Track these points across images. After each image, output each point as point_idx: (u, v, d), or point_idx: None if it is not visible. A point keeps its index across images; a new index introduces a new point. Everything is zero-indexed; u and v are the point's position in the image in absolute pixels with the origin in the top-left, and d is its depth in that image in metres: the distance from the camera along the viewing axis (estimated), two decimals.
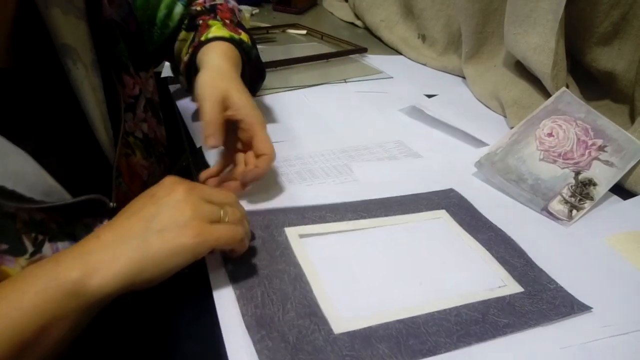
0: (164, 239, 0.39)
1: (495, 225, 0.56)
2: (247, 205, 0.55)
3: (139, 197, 0.43)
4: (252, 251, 0.48)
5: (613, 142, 0.65)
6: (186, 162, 0.70)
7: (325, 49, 1.14)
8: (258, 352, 0.38)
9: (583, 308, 0.46)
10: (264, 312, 0.42)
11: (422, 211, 0.57)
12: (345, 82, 0.97)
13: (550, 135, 0.66)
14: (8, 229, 0.42)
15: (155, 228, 0.39)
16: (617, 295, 0.48)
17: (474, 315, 0.44)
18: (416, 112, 0.83)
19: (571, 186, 0.62)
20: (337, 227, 0.53)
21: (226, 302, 0.43)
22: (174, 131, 0.72)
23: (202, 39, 0.65)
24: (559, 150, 0.64)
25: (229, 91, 0.55)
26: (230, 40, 0.65)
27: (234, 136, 0.58)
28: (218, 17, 0.71)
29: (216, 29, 0.66)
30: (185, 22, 0.72)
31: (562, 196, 0.61)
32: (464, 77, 1.02)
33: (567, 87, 0.74)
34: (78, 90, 0.50)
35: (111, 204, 0.50)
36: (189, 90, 0.72)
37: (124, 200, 0.53)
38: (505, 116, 0.85)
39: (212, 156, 0.65)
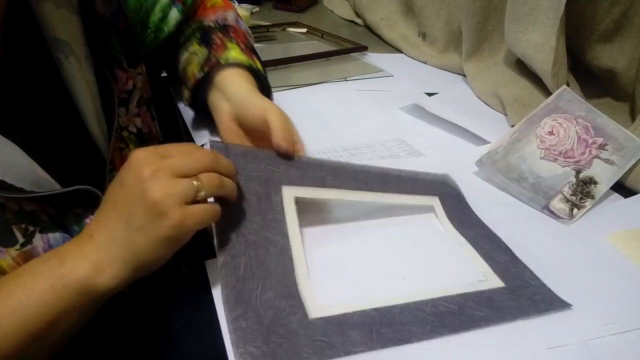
0: (145, 236, 0.39)
1: (483, 222, 0.56)
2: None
3: (111, 186, 0.42)
4: (244, 209, 0.47)
5: (614, 141, 0.65)
6: None
7: (325, 47, 1.14)
8: (231, 332, 0.38)
9: (562, 305, 0.45)
10: (243, 287, 0.42)
11: (416, 194, 0.57)
12: (346, 80, 0.97)
13: (550, 133, 0.66)
14: None
15: (134, 226, 0.39)
16: (618, 293, 0.48)
17: (451, 307, 0.44)
18: (417, 110, 0.83)
19: (572, 184, 0.62)
20: (333, 195, 0.52)
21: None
22: (172, 128, 0.72)
23: (222, 61, 0.64)
24: (560, 149, 0.64)
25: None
26: (249, 68, 0.65)
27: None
28: (234, 40, 0.70)
29: (236, 53, 0.66)
30: (197, 35, 0.71)
31: (563, 195, 0.61)
32: (464, 75, 1.02)
33: (568, 85, 0.74)
34: (70, 84, 0.50)
35: (103, 196, 0.50)
36: (193, 105, 0.69)
37: None
38: (505, 114, 0.84)
39: None
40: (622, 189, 0.65)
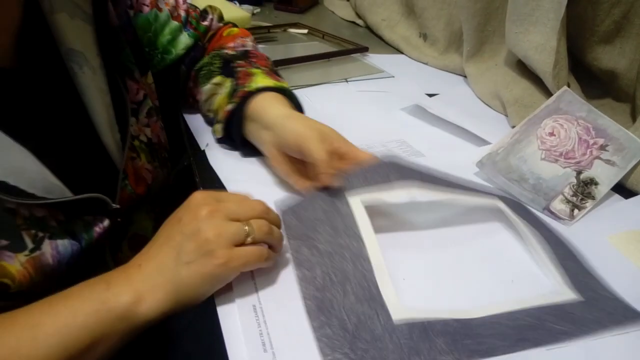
0: (191, 270, 0.40)
1: (549, 224, 0.56)
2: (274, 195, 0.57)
3: (167, 221, 0.44)
4: (312, 224, 0.48)
5: (614, 141, 0.65)
6: (187, 162, 0.70)
7: (326, 48, 1.14)
8: (317, 339, 0.39)
9: (635, 316, 0.45)
10: (324, 295, 0.42)
11: (479, 193, 0.57)
12: (347, 81, 0.97)
13: (551, 134, 0.66)
14: (8, 224, 0.43)
15: (183, 260, 0.41)
16: (620, 293, 0.48)
17: (529, 320, 0.43)
18: (418, 111, 0.83)
19: (573, 185, 0.62)
20: (400, 195, 0.51)
21: (226, 301, 0.43)
22: (175, 134, 0.72)
23: (250, 89, 0.63)
24: (561, 150, 0.64)
25: (322, 128, 0.56)
26: (278, 90, 0.64)
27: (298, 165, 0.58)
28: (256, 64, 0.70)
29: (261, 79, 0.65)
30: (218, 63, 0.70)
31: (563, 195, 0.61)
32: (465, 76, 1.02)
33: (569, 86, 0.74)
34: (84, 93, 0.51)
35: (114, 205, 0.51)
36: (225, 138, 0.67)
37: (128, 202, 0.54)
38: (506, 115, 0.84)
39: (215, 158, 0.65)
40: (622, 190, 0.65)
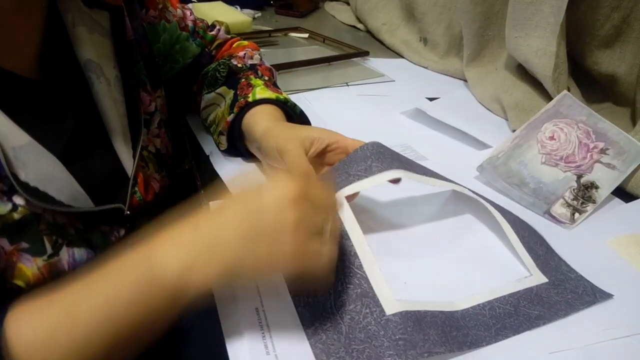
0: (257, 264, 0.38)
1: (516, 215, 0.57)
2: None
3: (246, 196, 0.39)
4: None
5: (615, 145, 0.65)
6: (189, 166, 0.70)
7: (327, 52, 1.14)
8: (312, 346, 0.39)
9: (605, 296, 0.47)
10: (315, 299, 0.42)
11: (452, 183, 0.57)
12: (347, 85, 0.97)
13: (551, 138, 0.66)
14: (32, 229, 0.43)
15: (253, 252, 0.37)
16: (619, 298, 0.48)
17: (506, 308, 0.44)
18: (418, 115, 0.83)
19: (573, 189, 0.62)
20: (381, 179, 0.50)
21: (228, 304, 0.43)
22: (177, 138, 0.72)
23: (250, 100, 0.64)
24: (561, 154, 0.65)
25: (300, 134, 0.55)
26: (275, 101, 0.64)
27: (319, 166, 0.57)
28: (259, 74, 0.70)
29: (261, 90, 0.65)
30: (224, 72, 0.71)
31: (564, 199, 0.61)
32: (465, 80, 1.02)
33: (569, 90, 0.74)
34: (100, 103, 0.52)
35: (126, 212, 0.53)
36: (229, 150, 0.67)
37: (137, 208, 0.55)
38: (507, 119, 0.85)
39: (219, 163, 0.66)
40: (623, 193, 0.65)
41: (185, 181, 0.68)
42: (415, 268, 0.50)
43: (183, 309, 0.38)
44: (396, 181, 0.52)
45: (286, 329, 0.41)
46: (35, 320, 0.36)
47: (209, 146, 0.70)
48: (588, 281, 0.48)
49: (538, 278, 0.48)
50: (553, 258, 0.51)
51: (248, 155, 0.66)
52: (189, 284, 0.36)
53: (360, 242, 0.45)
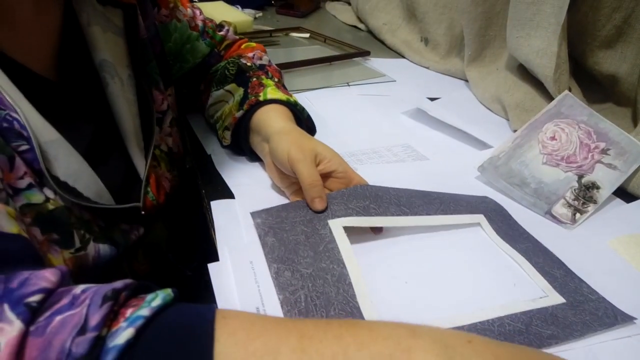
0: None
1: (532, 236, 0.56)
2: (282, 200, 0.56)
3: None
4: (294, 248, 0.48)
5: (616, 145, 0.65)
6: (189, 165, 0.70)
7: (328, 52, 1.14)
8: None
9: (627, 319, 0.45)
10: (307, 317, 0.41)
11: (461, 213, 0.56)
12: (348, 85, 0.97)
13: (553, 138, 0.66)
14: (63, 221, 0.45)
15: None
16: (620, 299, 0.48)
17: (517, 325, 0.43)
18: (419, 115, 0.83)
19: (574, 189, 0.62)
20: (379, 223, 0.52)
21: (229, 305, 0.43)
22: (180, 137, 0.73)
23: (261, 98, 0.64)
24: (562, 154, 0.65)
25: (316, 148, 0.55)
26: (286, 103, 0.64)
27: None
28: (270, 74, 0.71)
29: (272, 91, 0.65)
30: (233, 70, 0.71)
31: (565, 200, 0.61)
32: (466, 80, 1.02)
33: (570, 90, 0.74)
34: (114, 104, 0.53)
35: (142, 212, 0.54)
36: (231, 146, 0.67)
37: (152, 209, 0.56)
38: (508, 119, 0.85)
39: (221, 162, 0.66)
40: (624, 194, 0.65)
41: (187, 180, 0.69)
42: (417, 269, 0.50)
43: None
44: (379, 231, 0.53)
45: None
46: (259, 342, 0.29)
47: (210, 145, 0.70)
48: (610, 303, 0.47)
49: (554, 299, 0.47)
50: (573, 280, 0.50)
51: (250, 154, 0.66)
52: None
53: (356, 272, 0.46)
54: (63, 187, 0.44)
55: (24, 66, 0.46)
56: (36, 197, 0.42)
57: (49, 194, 0.43)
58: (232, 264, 0.47)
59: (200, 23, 0.73)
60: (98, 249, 0.48)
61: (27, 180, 0.42)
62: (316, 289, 0.44)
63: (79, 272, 0.47)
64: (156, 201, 0.57)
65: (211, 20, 0.76)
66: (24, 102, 0.43)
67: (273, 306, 0.43)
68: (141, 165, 0.55)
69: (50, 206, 0.43)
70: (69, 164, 0.45)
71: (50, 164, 0.44)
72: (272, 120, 0.61)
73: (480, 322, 0.43)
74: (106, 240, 0.49)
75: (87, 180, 0.47)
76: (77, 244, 0.46)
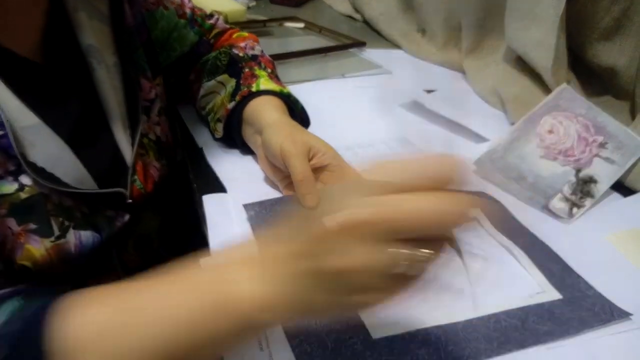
0: (327, 309, 0.33)
1: (529, 231, 0.55)
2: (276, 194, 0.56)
3: (310, 233, 0.32)
4: None
5: (614, 139, 0.64)
6: (180, 157, 0.69)
7: (323, 42, 1.13)
8: (297, 357, 0.38)
9: (623, 315, 0.45)
10: None
11: None
12: (344, 77, 0.96)
13: (550, 132, 0.65)
14: (40, 209, 0.44)
15: (321, 297, 0.31)
16: (616, 294, 0.47)
17: (513, 321, 0.43)
18: (416, 108, 0.82)
19: (572, 184, 0.61)
20: None
21: None
22: (170, 129, 0.72)
23: (254, 89, 0.63)
24: (560, 147, 0.64)
25: (309, 141, 0.54)
26: (280, 94, 0.64)
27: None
28: (263, 65, 0.69)
29: (265, 82, 0.64)
30: (225, 60, 0.69)
31: (562, 194, 0.60)
32: (464, 72, 1.01)
33: (568, 83, 0.73)
34: (100, 88, 0.53)
35: (129, 200, 0.53)
36: (224, 138, 0.66)
37: (138, 197, 0.56)
38: (505, 112, 0.84)
39: (213, 156, 0.65)
40: (622, 188, 0.65)
41: (178, 173, 0.68)
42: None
43: (243, 342, 0.35)
44: None
45: (280, 326, 0.41)
46: (102, 313, 0.32)
47: (201, 138, 0.69)
48: (606, 299, 0.46)
49: (551, 295, 0.46)
50: (570, 275, 0.49)
51: (242, 147, 0.65)
52: (262, 320, 0.33)
53: None
54: (39, 174, 0.43)
55: (6, 49, 0.45)
56: (6, 187, 0.42)
57: (27, 181, 0.43)
58: None
59: (188, 11, 0.71)
60: (79, 236, 0.47)
61: None
62: None
63: (62, 262, 0.46)
64: (144, 189, 0.56)
65: (200, 9, 0.75)
66: (1, 88, 0.42)
67: None
68: (128, 152, 0.55)
69: (24, 195, 0.43)
70: (47, 150, 0.44)
71: (27, 149, 0.43)
72: (265, 112, 0.60)
73: (476, 318, 0.43)
74: (88, 227, 0.48)
75: (67, 165, 0.46)
76: (56, 231, 0.45)
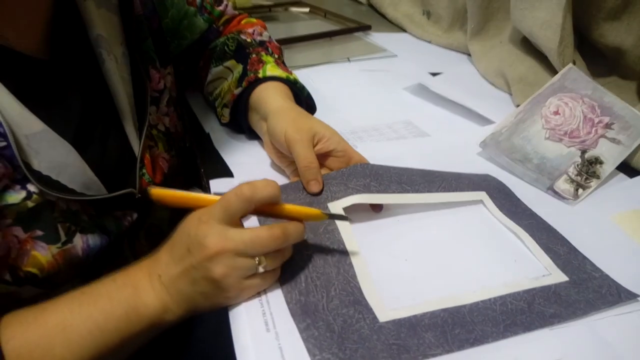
0: (206, 299, 0.41)
1: (535, 213, 0.55)
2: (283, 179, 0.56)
3: (178, 233, 0.42)
4: None
5: (620, 120, 0.64)
6: (188, 144, 0.70)
7: (328, 26, 1.12)
8: (304, 340, 0.38)
9: (630, 296, 0.45)
10: (308, 299, 0.42)
11: (463, 190, 0.56)
12: (349, 60, 0.96)
13: (556, 113, 0.65)
14: (46, 216, 0.44)
15: (198, 290, 0.41)
16: (622, 274, 0.47)
17: (520, 304, 0.43)
18: (421, 91, 0.82)
19: (577, 165, 0.61)
20: (380, 200, 0.52)
21: None
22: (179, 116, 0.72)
23: (260, 75, 0.63)
24: (565, 129, 0.64)
25: (313, 127, 0.54)
26: (286, 81, 0.64)
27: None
28: (270, 51, 0.69)
29: (272, 68, 0.64)
30: (232, 46, 0.69)
31: (568, 175, 0.60)
32: (469, 55, 1.00)
33: (574, 63, 0.73)
34: (110, 81, 0.52)
35: (137, 195, 0.53)
36: (230, 124, 0.67)
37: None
38: (511, 94, 0.84)
39: (220, 142, 0.65)
40: (627, 168, 0.64)
41: (186, 159, 0.68)
42: (419, 248, 0.49)
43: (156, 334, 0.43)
44: (379, 209, 0.53)
45: (286, 308, 0.41)
46: (31, 332, 0.38)
47: (208, 124, 0.70)
48: (613, 281, 0.46)
49: (557, 277, 0.46)
50: (576, 257, 0.49)
51: (249, 132, 0.65)
52: (165, 320, 0.42)
53: (356, 252, 0.46)
54: (45, 182, 0.43)
55: (9, 49, 0.44)
56: (13, 197, 0.42)
57: (34, 189, 0.42)
58: None
59: None
60: (86, 239, 0.47)
61: (3, 182, 0.41)
62: (316, 270, 0.44)
63: (69, 266, 0.46)
64: (152, 182, 0.56)
65: None
66: (3, 95, 0.41)
67: (274, 291, 0.43)
68: (136, 145, 0.54)
69: (31, 203, 0.42)
70: (52, 156, 0.44)
71: (31, 158, 0.42)
72: (270, 98, 0.60)
73: (482, 301, 0.43)
74: (96, 230, 0.48)
75: (74, 171, 0.46)
76: (63, 237, 0.45)
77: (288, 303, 0.42)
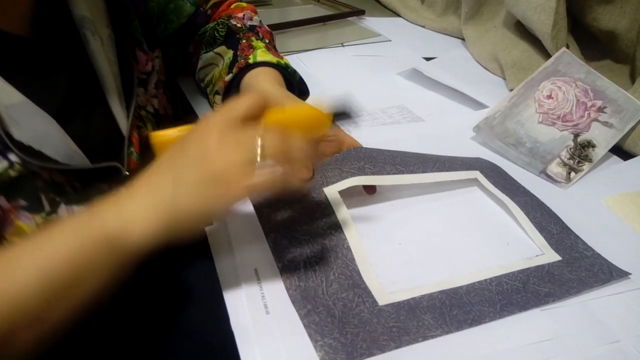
0: (190, 197, 0.36)
1: (529, 190, 0.56)
2: None
3: (172, 146, 0.40)
4: (290, 217, 0.48)
5: (613, 103, 0.64)
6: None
7: (322, 11, 1.11)
8: (305, 326, 0.39)
9: (622, 274, 0.46)
10: (307, 284, 0.42)
11: (457, 170, 0.56)
12: (343, 45, 0.95)
13: (549, 97, 0.65)
14: (29, 186, 0.44)
15: (183, 184, 0.36)
16: (614, 256, 0.48)
17: (515, 284, 0.44)
18: (415, 75, 0.82)
19: (570, 148, 0.62)
20: (375, 181, 0.52)
21: (227, 266, 0.44)
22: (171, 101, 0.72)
23: (251, 61, 0.63)
24: (558, 113, 0.64)
25: (307, 113, 0.52)
26: (277, 65, 0.63)
27: None
28: (260, 36, 0.69)
29: (262, 53, 0.64)
30: (222, 32, 0.69)
31: (560, 159, 0.61)
32: (463, 39, 1.00)
33: (568, 47, 0.73)
34: (95, 61, 0.52)
35: (125, 172, 0.52)
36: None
37: (136, 169, 0.55)
38: (504, 78, 0.84)
39: None
40: (620, 151, 0.65)
41: None
42: (415, 231, 0.50)
43: (125, 268, 0.37)
44: (372, 191, 0.53)
45: (285, 291, 0.42)
46: None
47: (201, 109, 0.69)
48: (605, 259, 0.47)
49: (550, 256, 0.47)
50: (569, 236, 0.50)
51: None
52: (128, 235, 0.36)
53: (354, 236, 0.46)
54: (26, 152, 0.43)
55: None
56: None
57: (16, 158, 0.43)
58: (231, 234, 0.47)
59: None
60: (71, 210, 0.47)
61: None
62: (315, 255, 0.44)
63: None
64: (141, 161, 0.56)
65: None
66: None
67: (273, 273, 0.43)
68: (124, 124, 0.54)
69: (13, 173, 0.42)
70: (34, 127, 0.44)
71: (12, 128, 0.42)
72: (259, 84, 0.60)
73: (478, 282, 0.44)
74: (82, 202, 0.48)
75: (56, 142, 0.45)
76: (47, 207, 0.45)
77: (287, 289, 0.42)
